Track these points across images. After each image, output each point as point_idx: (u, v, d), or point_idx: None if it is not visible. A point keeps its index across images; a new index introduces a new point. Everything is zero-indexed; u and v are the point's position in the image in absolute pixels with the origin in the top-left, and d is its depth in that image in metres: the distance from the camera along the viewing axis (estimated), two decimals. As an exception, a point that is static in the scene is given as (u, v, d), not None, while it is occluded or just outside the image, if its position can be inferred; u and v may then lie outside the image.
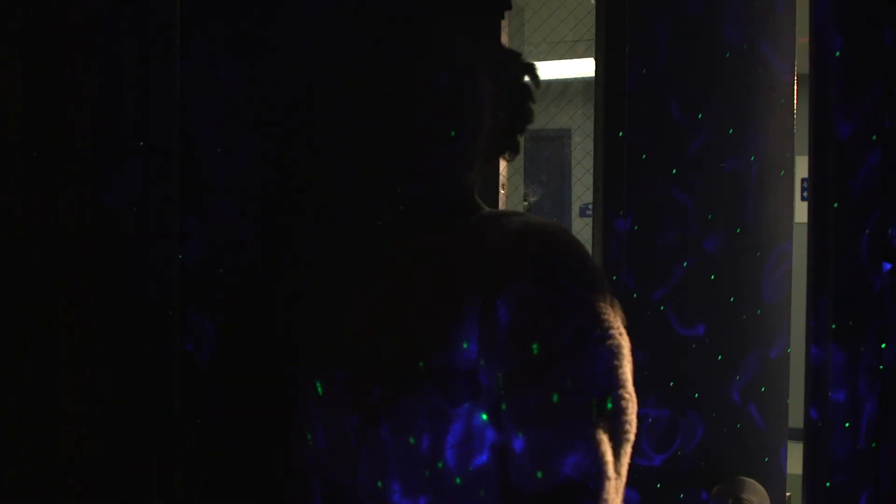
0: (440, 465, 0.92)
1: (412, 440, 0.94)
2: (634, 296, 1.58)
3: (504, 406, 0.92)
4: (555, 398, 0.88)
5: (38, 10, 1.54)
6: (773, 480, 1.61)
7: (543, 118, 5.73)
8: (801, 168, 1.57)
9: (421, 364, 0.95)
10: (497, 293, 0.93)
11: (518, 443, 0.90)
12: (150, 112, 1.54)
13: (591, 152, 1.70)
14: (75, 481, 1.54)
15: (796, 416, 1.47)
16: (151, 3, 1.53)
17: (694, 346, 1.59)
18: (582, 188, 5.88)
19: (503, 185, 1.83)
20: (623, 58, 1.61)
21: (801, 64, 1.52)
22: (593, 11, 1.69)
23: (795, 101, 1.64)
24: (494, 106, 1.10)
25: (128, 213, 1.51)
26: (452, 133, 1.03)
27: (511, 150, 1.19)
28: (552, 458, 0.87)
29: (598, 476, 0.86)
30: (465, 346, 0.92)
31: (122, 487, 1.54)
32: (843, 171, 1.25)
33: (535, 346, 0.90)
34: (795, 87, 1.64)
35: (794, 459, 1.55)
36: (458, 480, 0.92)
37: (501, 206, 1.76)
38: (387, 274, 1.09)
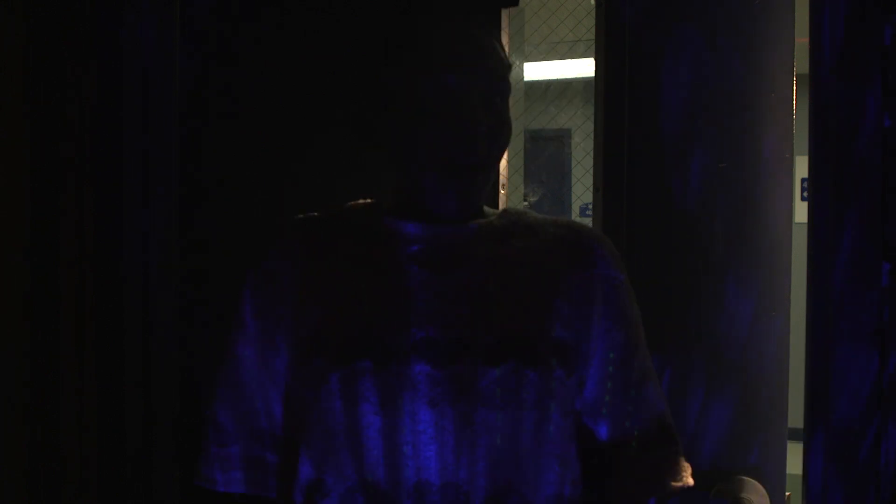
0: (550, 432, 1.02)
1: (524, 415, 1.00)
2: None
3: (611, 370, 1.10)
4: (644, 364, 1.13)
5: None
6: (774, 480, 1.61)
7: (543, 118, 5.72)
8: (801, 168, 1.57)
9: (539, 341, 1.03)
10: (589, 276, 1.09)
11: (626, 401, 1.10)
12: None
13: (591, 152, 1.70)
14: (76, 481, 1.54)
15: (796, 416, 1.46)
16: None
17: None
18: (582, 188, 5.88)
19: (503, 185, 1.83)
20: (623, 58, 1.61)
21: (801, 64, 1.52)
22: (593, 11, 1.69)
23: (795, 102, 1.64)
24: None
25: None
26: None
27: None
28: (660, 403, 1.15)
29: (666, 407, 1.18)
30: (570, 321, 1.06)
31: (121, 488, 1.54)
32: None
33: (625, 323, 1.10)
34: (795, 87, 1.64)
35: (794, 459, 1.55)
36: (555, 448, 1.04)
37: (501, 206, 1.76)
38: (456, 262, 1.07)
